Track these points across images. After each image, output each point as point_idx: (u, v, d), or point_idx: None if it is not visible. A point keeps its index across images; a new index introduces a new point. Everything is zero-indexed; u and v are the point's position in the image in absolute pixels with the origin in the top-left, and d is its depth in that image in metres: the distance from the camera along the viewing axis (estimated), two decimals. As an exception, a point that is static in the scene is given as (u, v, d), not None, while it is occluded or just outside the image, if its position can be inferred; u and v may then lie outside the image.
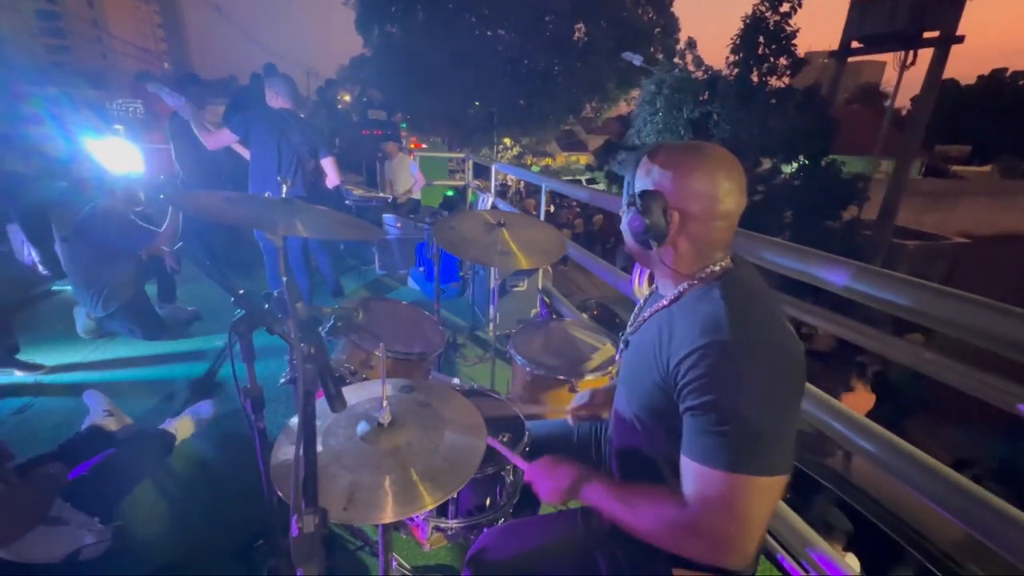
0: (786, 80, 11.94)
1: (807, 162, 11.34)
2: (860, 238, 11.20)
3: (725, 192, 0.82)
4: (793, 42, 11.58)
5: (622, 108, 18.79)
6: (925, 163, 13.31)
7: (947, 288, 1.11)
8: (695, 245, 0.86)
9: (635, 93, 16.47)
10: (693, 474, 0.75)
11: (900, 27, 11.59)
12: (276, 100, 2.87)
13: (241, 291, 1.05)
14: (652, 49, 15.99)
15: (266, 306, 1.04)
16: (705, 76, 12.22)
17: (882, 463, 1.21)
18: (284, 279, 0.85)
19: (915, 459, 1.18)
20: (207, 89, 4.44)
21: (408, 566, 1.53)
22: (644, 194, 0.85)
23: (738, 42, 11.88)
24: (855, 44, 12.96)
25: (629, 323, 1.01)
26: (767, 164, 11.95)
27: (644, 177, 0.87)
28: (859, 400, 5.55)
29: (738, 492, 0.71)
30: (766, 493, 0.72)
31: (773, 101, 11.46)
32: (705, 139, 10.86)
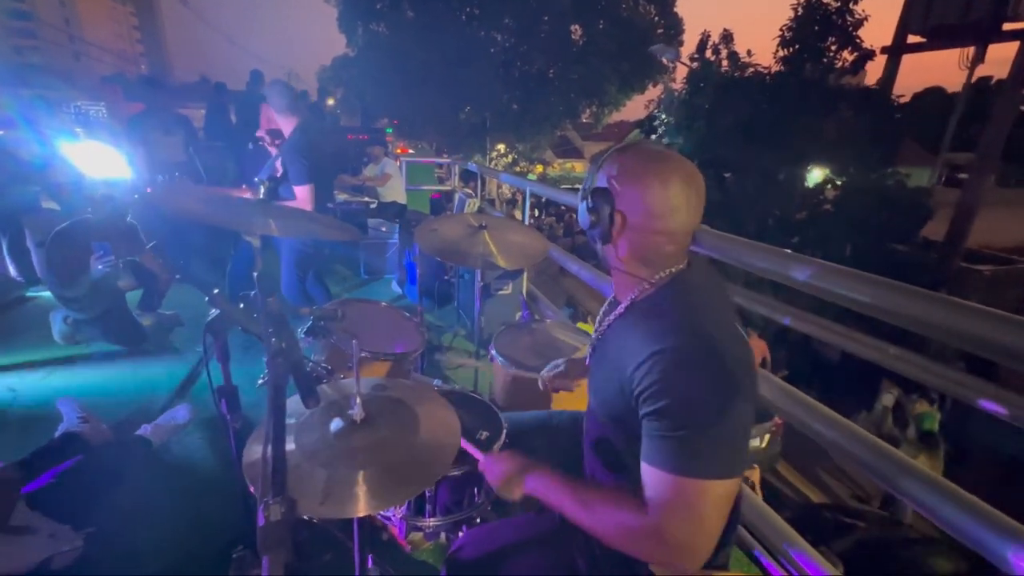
0: (849, 78, 10.04)
1: (868, 174, 9.40)
2: (926, 262, 9.31)
3: (670, 210, 0.82)
4: (858, 32, 9.59)
5: (627, 112, 18.10)
6: (944, 173, 11.67)
7: (915, 288, 1.15)
8: (636, 252, 0.87)
9: (649, 95, 15.19)
10: (651, 479, 0.76)
11: (975, 18, 9.57)
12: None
13: (216, 290, 1.04)
14: (651, 50, 15.58)
15: (241, 305, 1.04)
16: (741, 74, 10.43)
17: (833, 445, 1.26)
18: (255, 274, 0.85)
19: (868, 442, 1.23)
20: (173, 93, 4.41)
21: (389, 567, 1.53)
22: (595, 191, 0.87)
23: (789, 34, 9.84)
24: (913, 39, 11.04)
25: (595, 327, 1.03)
26: (817, 175, 10.11)
27: (603, 174, 0.88)
28: (753, 347, 6.12)
29: (695, 496, 0.73)
30: (722, 496, 0.74)
31: (832, 102, 9.59)
32: (757, 148, 8.96)
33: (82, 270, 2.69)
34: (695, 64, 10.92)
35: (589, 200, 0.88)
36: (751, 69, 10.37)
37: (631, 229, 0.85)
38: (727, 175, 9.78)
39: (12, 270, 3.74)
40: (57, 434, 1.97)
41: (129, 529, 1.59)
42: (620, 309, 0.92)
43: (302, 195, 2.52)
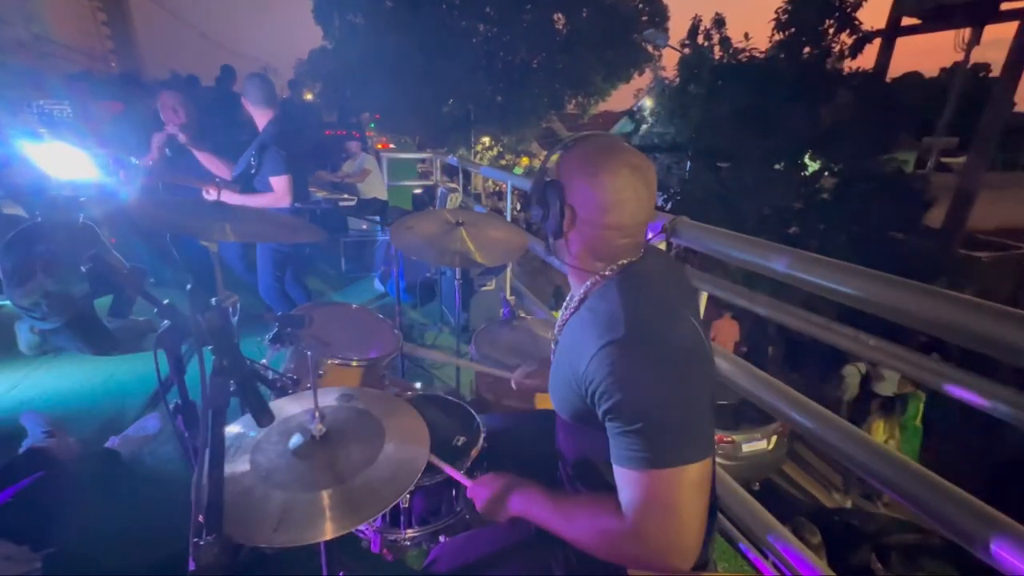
0: (849, 61, 9.44)
1: (866, 161, 8.88)
2: (925, 250, 8.75)
3: (620, 202, 0.81)
4: (856, 14, 9.11)
5: (612, 102, 17.91)
6: (929, 158, 10.79)
7: (892, 276, 1.13)
8: (587, 246, 0.86)
9: (635, 84, 14.87)
10: (621, 479, 0.75)
11: (973, -2, 8.88)
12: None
13: (166, 301, 0.98)
14: (636, 38, 15.00)
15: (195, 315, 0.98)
16: (736, 60, 9.79)
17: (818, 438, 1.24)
18: (188, 286, 0.79)
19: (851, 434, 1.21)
20: (147, 90, 4.22)
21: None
22: (546, 184, 0.86)
23: (784, 17, 9.32)
24: (908, 21, 10.51)
25: (557, 323, 0.99)
26: (815, 163, 9.62)
27: (553, 167, 0.86)
28: (729, 327, 6.41)
29: (665, 488, 0.71)
30: (693, 483, 0.72)
31: (831, 87, 9.17)
32: (755, 136, 8.64)
33: (30, 277, 2.57)
34: (686, 50, 10.50)
35: (540, 194, 0.87)
36: (744, 54, 9.90)
37: (582, 223, 0.84)
38: (723, 165, 9.49)
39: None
40: (21, 450, 1.89)
41: (94, 547, 1.52)
42: (573, 305, 0.90)
43: (279, 186, 2.47)
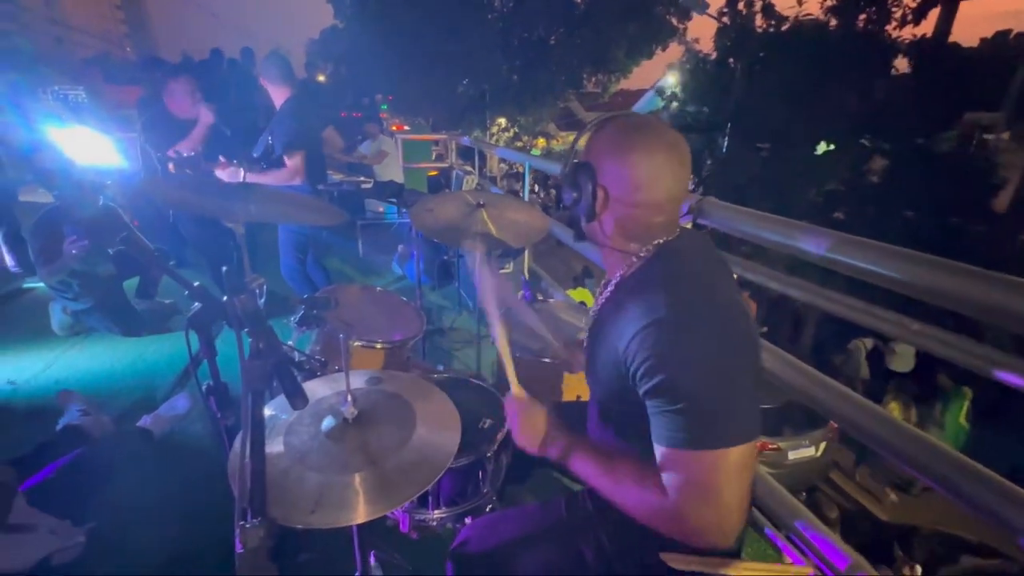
0: (910, 29, 8.35)
1: (920, 141, 7.87)
2: (989, 237, 7.58)
3: (654, 180, 0.80)
4: None
5: (633, 80, 17.11)
6: (975, 136, 10.35)
7: (932, 257, 1.07)
8: (622, 227, 0.84)
9: (659, 60, 14.06)
10: (663, 459, 0.74)
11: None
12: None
13: (196, 283, 0.98)
14: (660, 10, 14.00)
15: (224, 298, 0.98)
16: (780, 29, 8.76)
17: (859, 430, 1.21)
18: (224, 269, 0.79)
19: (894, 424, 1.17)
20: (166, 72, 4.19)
21: (396, 555, 1.51)
22: (577, 166, 0.84)
23: None
24: None
25: (592, 309, 0.98)
26: (867, 141, 8.58)
27: (583, 148, 0.85)
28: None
29: (707, 469, 0.70)
30: (735, 465, 0.71)
31: (890, 57, 8.25)
32: (804, 114, 7.71)
33: (55, 257, 2.63)
34: (724, 19, 9.63)
35: (571, 177, 0.85)
36: (790, 21, 8.89)
37: (615, 203, 0.82)
38: (765, 146, 8.78)
39: (9, 261, 3.69)
40: (58, 428, 1.96)
41: (132, 522, 1.57)
42: (611, 287, 0.89)
43: (293, 163, 2.48)
